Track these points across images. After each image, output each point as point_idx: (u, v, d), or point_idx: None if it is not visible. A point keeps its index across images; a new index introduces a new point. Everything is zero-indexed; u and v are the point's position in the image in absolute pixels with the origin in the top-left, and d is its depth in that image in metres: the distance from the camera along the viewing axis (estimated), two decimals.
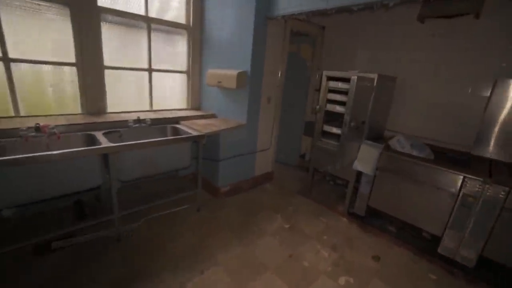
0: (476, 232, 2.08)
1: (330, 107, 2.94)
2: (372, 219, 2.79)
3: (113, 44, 2.78)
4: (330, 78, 2.89)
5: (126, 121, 2.60)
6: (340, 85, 2.76)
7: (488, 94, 2.54)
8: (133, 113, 2.97)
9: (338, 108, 2.81)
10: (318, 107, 3.00)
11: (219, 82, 3.01)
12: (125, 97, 3.01)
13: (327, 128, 3.00)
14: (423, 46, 2.88)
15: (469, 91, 2.65)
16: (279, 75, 3.32)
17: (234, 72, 2.83)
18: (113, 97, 2.90)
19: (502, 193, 1.93)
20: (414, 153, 2.50)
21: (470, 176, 2.06)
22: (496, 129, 2.47)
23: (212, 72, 3.14)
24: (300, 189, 3.53)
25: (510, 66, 2.42)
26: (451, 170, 2.15)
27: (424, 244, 2.46)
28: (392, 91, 3.02)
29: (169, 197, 2.64)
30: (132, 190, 2.71)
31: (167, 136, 2.85)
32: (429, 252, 2.37)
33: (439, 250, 2.28)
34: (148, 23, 2.94)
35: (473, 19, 2.52)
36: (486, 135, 2.53)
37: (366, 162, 2.54)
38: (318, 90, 3.90)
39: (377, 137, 3.08)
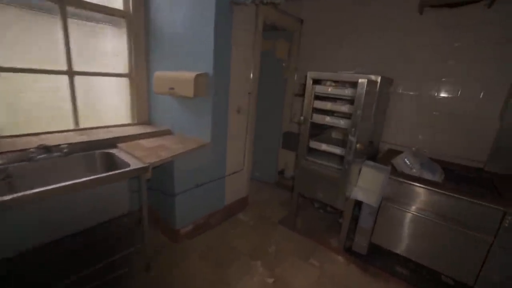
0: None
1: (317, 118, 2.32)
2: (375, 259, 2.22)
3: (6, 34, 1.87)
4: (316, 81, 2.27)
5: (26, 150, 1.72)
6: (330, 90, 2.15)
7: (504, 99, 2.11)
8: (45, 135, 2.07)
9: (329, 120, 2.20)
10: (302, 118, 2.36)
11: (171, 88, 2.23)
12: (34, 112, 2.10)
13: (314, 144, 2.38)
14: (422, 42, 2.40)
15: (481, 95, 2.21)
16: (251, 78, 2.64)
17: (190, 75, 2.08)
18: (12, 113, 1.98)
19: None
20: (425, 175, 1.98)
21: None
22: None
23: (161, 76, 2.34)
24: (282, 217, 2.87)
25: None
26: (483, 203, 1.63)
27: None
28: (389, 96, 2.50)
29: (101, 259, 1.79)
30: (40, 255, 1.81)
31: (96, 168, 2.00)
32: None
33: None
34: (62, 6, 2.06)
35: (484, 7, 2.08)
36: (503, 147, 2.10)
37: (369, 190, 1.95)
38: (298, 95, 3.30)
39: (374, 152, 2.54)
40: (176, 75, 2.22)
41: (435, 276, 2.00)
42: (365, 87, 1.36)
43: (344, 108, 2.03)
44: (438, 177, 1.96)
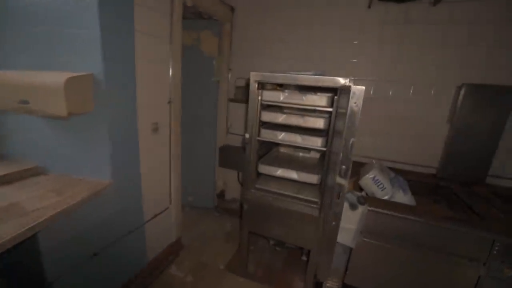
0: None
1: (267, 134, 1.76)
2: None
3: None
4: (263, 86, 1.71)
5: None
6: (282, 98, 1.62)
7: (451, 103, 2.03)
8: None
9: (285, 137, 1.67)
10: (246, 135, 1.76)
11: (24, 102, 1.27)
12: None
13: (265, 169, 1.82)
14: (370, 39, 2.15)
15: (430, 99, 2.09)
16: (171, 81, 1.88)
17: (57, 79, 1.19)
18: None
19: None
20: (397, 195, 1.68)
21: (504, 238, 1.34)
22: (466, 145, 1.98)
23: (2, 78, 1.33)
24: (230, 259, 2.22)
25: (472, 69, 1.94)
26: (469, 230, 1.39)
27: None
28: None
29: None
30: None
31: None
32: None
33: None
34: None
35: (430, 5, 1.93)
36: (453, 152, 2.01)
37: (345, 229, 1.52)
38: (233, 100, 2.69)
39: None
40: (30, 79, 1.27)
41: None
42: (362, 96, 0.86)
43: (319, 123, 1.53)
44: (409, 196, 1.69)
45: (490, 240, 1.36)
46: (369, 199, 1.59)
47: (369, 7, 2.05)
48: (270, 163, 1.87)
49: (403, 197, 1.67)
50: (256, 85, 1.65)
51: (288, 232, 1.81)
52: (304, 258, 2.11)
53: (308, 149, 2.27)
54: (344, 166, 0.91)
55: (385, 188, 1.68)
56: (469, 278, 1.46)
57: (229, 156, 2.80)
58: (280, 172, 1.76)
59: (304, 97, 1.54)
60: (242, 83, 2.65)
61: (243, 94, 2.62)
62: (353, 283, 1.74)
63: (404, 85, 2.13)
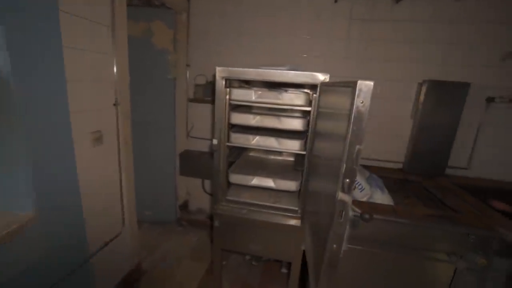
0: None
1: (238, 139, 1.55)
2: None
3: None
4: (231, 84, 1.48)
5: None
6: (255, 97, 1.42)
7: (414, 98, 2.09)
8: None
9: (260, 142, 1.48)
10: (214, 141, 1.52)
11: None
12: None
13: (238, 179, 1.61)
14: (337, 35, 2.08)
15: (395, 94, 2.11)
16: (115, 78, 1.52)
17: None
18: None
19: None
20: (375, 195, 1.64)
21: (478, 230, 1.37)
22: (429, 139, 2.05)
23: None
24: (200, 282, 1.95)
25: (433, 66, 2.02)
26: (448, 226, 1.39)
27: None
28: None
29: None
30: None
31: None
32: None
33: None
34: None
35: (393, 1, 1.93)
36: (417, 147, 2.08)
37: None
38: (194, 100, 2.41)
39: None
40: None
41: None
42: (370, 94, 0.70)
43: (298, 124, 1.35)
44: (387, 194, 1.66)
45: (465, 234, 1.38)
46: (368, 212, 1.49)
47: (335, 1, 1.98)
48: (243, 171, 1.66)
49: (381, 196, 1.63)
50: (224, 82, 1.42)
51: (266, 246, 1.63)
52: (284, 270, 1.96)
53: (280, 152, 2.12)
54: (348, 180, 0.75)
55: (363, 188, 1.62)
56: (446, 272, 1.47)
57: (191, 163, 2.49)
58: (255, 181, 1.57)
59: (280, 96, 1.37)
60: (202, 80, 2.37)
61: (204, 93, 2.35)
62: None
63: (370, 81, 2.12)
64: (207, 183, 2.60)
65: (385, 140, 2.20)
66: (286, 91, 1.49)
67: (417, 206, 1.64)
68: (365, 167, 2.00)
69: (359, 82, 0.69)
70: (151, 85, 2.30)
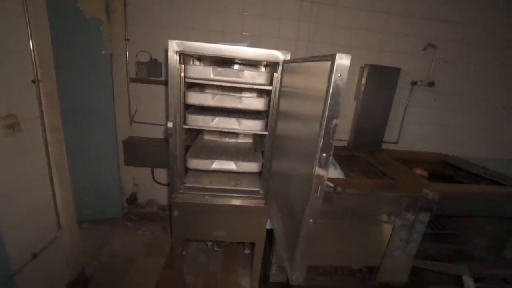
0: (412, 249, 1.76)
1: (195, 120, 1.43)
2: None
3: None
4: (185, 60, 1.34)
5: None
6: (214, 74, 1.32)
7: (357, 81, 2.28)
8: None
9: (220, 123, 1.40)
10: (169, 124, 1.37)
11: None
12: None
13: (196, 163, 1.51)
14: (289, 15, 2.08)
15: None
16: (35, 46, 1.21)
17: None
18: None
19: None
20: (331, 171, 1.76)
21: (410, 193, 1.61)
22: (369, 118, 2.29)
23: None
24: (160, 278, 1.82)
25: (373, 51, 2.22)
26: (388, 193, 1.60)
27: (360, 278, 1.93)
28: None
29: None
30: None
31: None
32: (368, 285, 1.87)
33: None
34: None
35: None
36: (360, 125, 2.31)
37: None
38: (137, 80, 2.14)
39: None
40: None
41: (348, 270, 1.95)
42: (347, 67, 0.69)
43: (260, 104, 1.30)
44: (339, 170, 1.80)
45: (400, 197, 1.62)
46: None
47: None
48: (201, 156, 1.57)
49: (335, 172, 1.76)
50: (178, 58, 1.27)
51: (230, 230, 1.61)
52: (247, 251, 1.98)
53: (236, 134, 2.08)
54: (324, 154, 0.76)
55: None
56: (387, 230, 1.71)
57: (138, 151, 2.24)
58: (215, 165, 1.50)
59: (241, 73, 1.30)
60: (146, 58, 2.10)
61: (149, 72, 2.10)
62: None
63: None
64: (158, 172, 2.40)
65: None
66: (255, 69, 1.44)
67: (364, 178, 1.84)
68: None
69: (338, 54, 0.68)
70: (83, 62, 1.92)
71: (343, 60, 0.69)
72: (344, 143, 2.41)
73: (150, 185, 2.43)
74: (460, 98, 2.42)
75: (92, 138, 2.12)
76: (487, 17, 2.22)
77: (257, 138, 1.86)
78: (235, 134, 2.10)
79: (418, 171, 2.17)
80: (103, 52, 1.96)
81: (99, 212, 2.32)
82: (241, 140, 2.08)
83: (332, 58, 0.70)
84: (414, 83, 2.30)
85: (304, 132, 0.94)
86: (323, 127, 0.74)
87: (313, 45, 2.16)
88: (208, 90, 1.83)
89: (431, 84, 2.23)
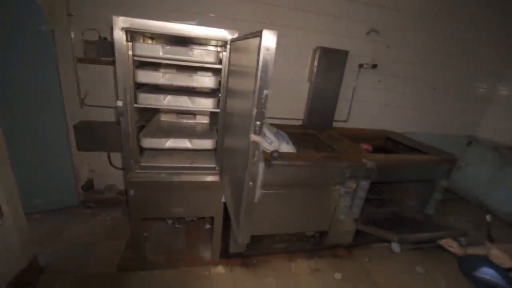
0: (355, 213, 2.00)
1: (147, 99, 1.44)
2: (255, 249, 2.00)
3: None
4: (133, 38, 1.32)
5: None
6: (163, 52, 1.33)
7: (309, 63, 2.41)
8: None
9: (172, 101, 1.42)
10: (119, 103, 1.36)
11: None
12: None
13: (150, 143, 1.53)
14: None
15: (296, 60, 2.38)
16: None
17: None
18: None
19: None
20: (282, 146, 1.90)
21: (355, 163, 1.81)
22: (321, 99, 2.46)
23: None
24: (121, 259, 1.84)
25: (324, 34, 2.35)
26: (335, 164, 1.79)
27: (312, 243, 2.15)
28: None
29: None
30: None
31: None
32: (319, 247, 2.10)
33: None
34: None
35: None
36: (313, 105, 2.47)
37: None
38: (85, 60, 2.03)
39: None
40: None
41: (302, 236, 2.15)
42: (275, 41, 0.76)
43: (211, 82, 1.34)
44: (291, 146, 1.95)
45: (344, 167, 1.82)
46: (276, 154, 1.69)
47: None
48: (156, 135, 1.59)
49: (287, 147, 1.90)
50: (124, 35, 1.26)
51: (188, 206, 1.68)
52: (207, 226, 2.08)
53: (194, 114, 2.11)
54: (258, 122, 0.85)
55: (272, 142, 1.84)
56: (334, 198, 1.91)
57: (91, 135, 2.17)
58: (170, 143, 1.53)
59: (190, 52, 1.33)
60: (94, 36, 1.99)
61: (99, 52, 2.00)
62: (256, 233, 1.90)
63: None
64: (116, 156, 2.34)
65: (289, 101, 2.50)
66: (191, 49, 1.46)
67: (314, 152, 2.01)
68: (273, 125, 2.25)
69: (264, 30, 0.76)
70: (19, 38, 1.76)
71: (270, 35, 0.77)
72: (300, 122, 2.57)
73: (107, 170, 2.37)
74: (400, 80, 2.70)
75: (38, 121, 1.98)
76: (424, 5, 2.46)
77: (213, 117, 1.91)
78: (193, 115, 2.13)
79: (364, 146, 2.42)
80: (43, 28, 1.81)
81: (53, 201, 2.22)
82: (199, 120, 2.12)
83: (260, 34, 0.77)
84: (361, 66, 2.50)
85: (245, 107, 1.02)
86: (256, 97, 0.82)
87: (265, 27, 2.22)
88: (162, 70, 1.82)
89: (375, 66, 2.45)
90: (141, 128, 1.64)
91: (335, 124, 2.62)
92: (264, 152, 1.63)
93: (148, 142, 1.51)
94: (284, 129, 2.22)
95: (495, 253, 1.56)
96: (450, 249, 1.84)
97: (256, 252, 1.99)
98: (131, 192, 1.53)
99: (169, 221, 2.13)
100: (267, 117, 2.28)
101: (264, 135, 1.81)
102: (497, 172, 2.97)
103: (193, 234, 2.10)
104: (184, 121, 2.13)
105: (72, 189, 2.30)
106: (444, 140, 3.07)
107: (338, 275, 1.93)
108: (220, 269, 1.86)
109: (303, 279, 1.87)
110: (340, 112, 2.63)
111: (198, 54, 1.34)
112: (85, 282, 1.65)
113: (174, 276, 1.75)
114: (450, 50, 2.72)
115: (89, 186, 2.39)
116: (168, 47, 1.30)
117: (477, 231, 2.54)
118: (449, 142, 3.14)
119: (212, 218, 1.80)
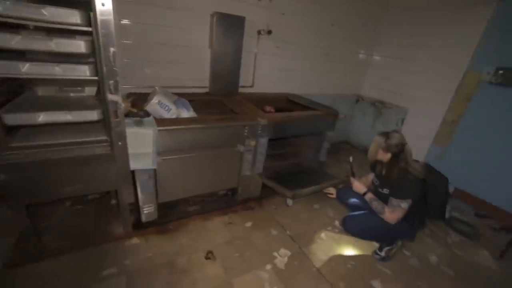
0: (259, 168, 2.25)
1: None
2: (168, 214, 2.08)
3: None
4: None
5: None
6: (2, 9, 1.13)
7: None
8: None
9: (34, 69, 1.25)
10: None
11: None
12: None
13: (16, 118, 1.34)
14: None
15: (194, 26, 2.32)
16: None
17: None
18: None
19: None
20: (182, 113, 1.94)
21: (250, 122, 1.99)
22: (224, 65, 2.53)
23: None
24: (10, 255, 1.65)
25: None
26: (232, 123, 1.93)
27: (225, 200, 2.34)
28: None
29: None
30: None
31: None
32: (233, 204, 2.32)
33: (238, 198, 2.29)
34: None
35: None
36: (216, 72, 2.52)
37: (142, 154, 1.56)
38: None
39: None
40: None
41: (215, 195, 2.32)
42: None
43: (79, 46, 1.19)
44: (192, 112, 1.99)
45: (243, 127, 1.99)
46: (155, 119, 1.69)
47: None
48: (24, 110, 1.40)
49: (187, 114, 1.94)
50: None
51: (84, 183, 1.59)
52: (114, 201, 2.02)
53: (82, 85, 1.91)
54: (112, 81, 0.86)
55: (170, 109, 1.85)
56: (237, 156, 2.10)
57: None
58: (43, 117, 1.37)
59: (44, 10, 1.16)
60: None
61: None
62: (167, 199, 1.96)
63: (170, 12, 2.19)
64: None
65: (193, 69, 2.49)
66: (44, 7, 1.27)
67: (214, 115, 2.11)
68: (178, 94, 2.23)
69: None
70: None
71: None
72: (207, 90, 2.61)
73: None
74: (295, 46, 2.97)
75: None
76: None
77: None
78: (81, 87, 1.92)
79: (268, 108, 2.65)
80: None
81: None
82: (89, 93, 1.93)
83: None
84: (259, 32, 2.63)
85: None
86: (102, 56, 0.82)
87: None
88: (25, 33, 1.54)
89: (270, 32, 2.62)
90: (3, 104, 1.41)
91: (242, 90, 2.76)
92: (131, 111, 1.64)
93: (13, 119, 1.32)
94: (190, 97, 2.24)
95: (355, 185, 2.07)
96: (330, 196, 2.43)
97: (172, 218, 2.07)
98: (2, 177, 1.35)
99: (67, 203, 1.98)
100: (169, 86, 2.25)
101: (160, 103, 1.80)
102: (374, 122, 3.72)
103: (100, 212, 2.02)
104: (72, 94, 1.90)
105: None
106: (338, 99, 3.62)
107: (248, 224, 2.19)
108: (134, 240, 1.87)
109: (217, 234, 2.05)
110: (246, 78, 2.77)
111: (54, 14, 1.18)
112: None
113: (82, 258, 1.68)
114: (336, 19, 3.10)
115: None
116: (8, 2, 1.11)
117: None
118: (342, 101, 3.73)
119: (116, 191, 1.76)
